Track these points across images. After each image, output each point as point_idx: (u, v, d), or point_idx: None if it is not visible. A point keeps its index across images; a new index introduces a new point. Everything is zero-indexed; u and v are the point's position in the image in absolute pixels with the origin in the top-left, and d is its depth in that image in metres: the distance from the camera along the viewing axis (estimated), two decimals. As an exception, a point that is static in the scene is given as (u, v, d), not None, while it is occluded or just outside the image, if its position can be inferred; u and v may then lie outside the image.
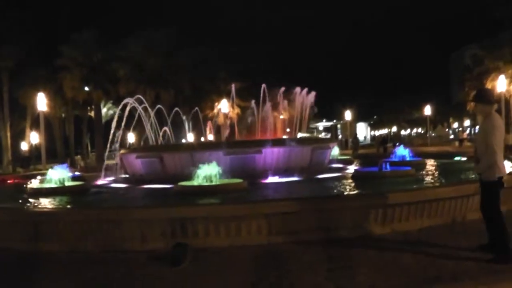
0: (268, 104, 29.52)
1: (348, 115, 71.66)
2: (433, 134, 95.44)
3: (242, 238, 10.28)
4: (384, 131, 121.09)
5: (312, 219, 10.54)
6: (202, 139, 49.32)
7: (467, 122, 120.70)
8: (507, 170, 9.19)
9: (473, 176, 13.98)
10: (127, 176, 22.28)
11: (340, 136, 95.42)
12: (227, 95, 52.71)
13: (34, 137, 57.43)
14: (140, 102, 26.55)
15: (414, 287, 7.48)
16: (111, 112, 69.03)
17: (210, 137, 47.23)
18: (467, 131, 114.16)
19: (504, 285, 7.58)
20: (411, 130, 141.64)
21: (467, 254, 8.78)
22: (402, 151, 23.78)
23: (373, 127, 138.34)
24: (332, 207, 10.76)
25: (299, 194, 14.49)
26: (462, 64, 65.46)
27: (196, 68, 60.92)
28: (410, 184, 15.40)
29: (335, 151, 26.56)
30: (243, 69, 62.53)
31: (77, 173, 24.76)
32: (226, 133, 49.56)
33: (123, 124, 24.23)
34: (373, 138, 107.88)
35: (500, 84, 42.29)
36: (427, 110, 73.60)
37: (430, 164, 24.22)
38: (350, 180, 18.05)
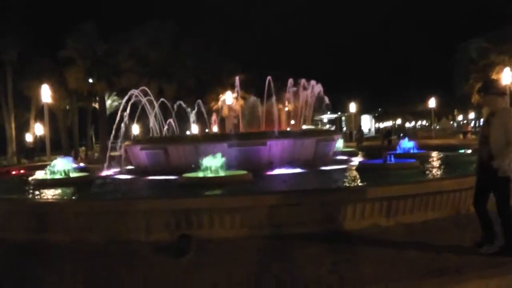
0: (273, 97, 29.48)
1: (352, 107, 71.50)
2: (437, 127, 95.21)
3: (247, 230, 10.29)
4: (389, 123, 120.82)
5: (317, 211, 10.53)
6: (207, 131, 49.37)
7: (471, 115, 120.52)
8: None
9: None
10: (131, 167, 22.33)
11: (344, 128, 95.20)
12: (232, 87, 52.66)
13: (38, 129, 57.44)
14: (145, 94, 26.53)
15: (418, 279, 7.48)
16: (115, 104, 69.01)
17: (215, 129, 47.27)
18: (472, 124, 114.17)
19: (509, 277, 7.59)
20: (416, 123, 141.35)
21: (471, 247, 8.77)
22: (406, 144, 23.77)
23: (378, 119, 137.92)
24: (337, 199, 10.74)
25: (303, 186, 14.46)
26: (467, 57, 65.01)
27: (200, 61, 60.87)
28: (414, 177, 15.38)
29: (340, 143, 26.55)
30: (248, 61, 62.54)
31: (81, 164, 24.82)
32: (230, 125, 49.58)
33: (127, 115, 24.20)
34: (378, 130, 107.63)
35: (506, 77, 42.12)
36: (432, 103, 73.37)
37: (435, 156, 24.19)
38: (354, 172, 18.03)
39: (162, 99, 32.07)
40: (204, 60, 62.10)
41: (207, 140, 21.49)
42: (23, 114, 61.46)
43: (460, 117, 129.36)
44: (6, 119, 55.60)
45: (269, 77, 28.98)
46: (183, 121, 40.23)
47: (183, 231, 9.78)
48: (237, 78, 35.13)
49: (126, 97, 25.73)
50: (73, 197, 14.97)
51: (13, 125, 55.76)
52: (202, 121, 48.77)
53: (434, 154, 25.10)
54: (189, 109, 39.69)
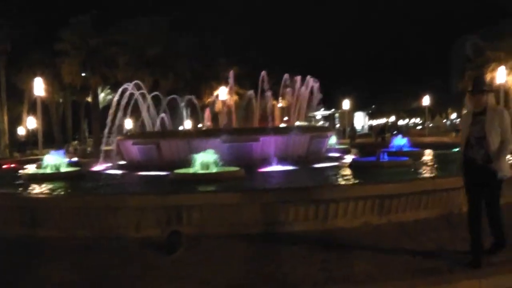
0: (268, 92, 29.40)
1: (346, 104, 71.51)
2: (430, 125, 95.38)
3: (238, 227, 10.23)
4: (382, 120, 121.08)
5: (309, 209, 10.49)
6: (200, 126, 49.26)
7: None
8: None
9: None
10: (124, 162, 22.24)
11: (338, 125, 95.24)
12: (226, 82, 52.60)
13: (31, 122, 57.25)
14: (139, 88, 26.40)
15: (410, 278, 7.44)
16: (109, 97, 68.84)
17: (208, 124, 47.14)
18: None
19: (500, 277, 7.57)
20: (409, 120, 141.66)
21: (463, 245, 8.73)
22: (399, 141, 23.77)
23: (371, 116, 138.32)
24: (328, 196, 10.67)
25: (296, 183, 14.42)
26: (462, 54, 65.37)
27: (195, 54, 60.78)
28: (407, 175, 15.38)
29: (333, 140, 26.53)
30: (243, 56, 62.44)
31: (74, 159, 24.71)
32: (224, 120, 49.49)
33: (120, 110, 24.09)
34: (371, 127, 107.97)
35: (500, 75, 42.26)
36: (426, 101, 73.51)
37: (428, 154, 24.19)
38: (347, 170, 17.99)
39: (156, 92, 31.94)
40: (199, 53, 62.01)
41: (199, 136, 21.41)
42: (16, 107, 61.20)
43: (453, 115, 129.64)
44: (-1, 112, 55.34)
45: (263, 73, 28.87)
46: (177, 116, 40.16)
47: (173, 228, 9.72)
48: (231, 72, 34.91)
49: (119, 91, 25.58)
50: (63, 192, 14.87)
51: (5, 118, 55.46)
52: (196, 116, 48.70)
53: (427, 152, 25.09)
54: (183, 104, 39.59)
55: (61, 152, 20.25)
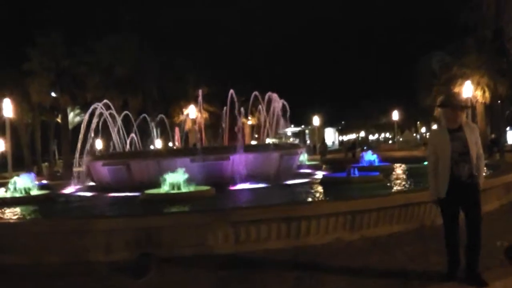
0: (237, 110, 29.34)
1: (316, 120, 71.77)
2: (400, 139, 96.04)
3: (209, 247, 10.11)
4: (352, 136, 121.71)
5: (280, 226, 10.41)
6: (170, 145, 49.03)
7: (434, 127, 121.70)
8: None
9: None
10: (94, 184, 21.99)
11: (308, 142, 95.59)
12: (195, 100, 52.52)
13: (-1, 144, 56.45)
14: (108, 108, 26.21)
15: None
16: (78, 118, 68.20)
17: (178, 143, 46.93)
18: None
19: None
20: (379, 135, 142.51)
21: (436, 258, 8.72)
22: (370, 156, 23.86)
23: (341, 132, 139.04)
24: (300, 213, 10.61)
25: (267, 201, 14.36)
26: (429, 70, 66.01)
27: (164, 73, 60.65)
28: (378, 190, 15.38)
29: (304, 156, 26.53)
30: (212, 74, 62.45)
31: (44, 181, 24.39)
32: (194, 139, 49.27)
33: (91, 130, 23.89)
34: (341, 143, 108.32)
35: (467, 90, 42.81)
36: (395, 115, 74.06)
37: (398, 169, 24.29)
38: (318, 186, 17.97)
39: (126, 112, 31.71)
40: (168, 72, 61.89)
41: (169, 155, 21.26)
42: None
43: (423, 129, 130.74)
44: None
45: (231, 91, 28.85)
46: (147, 135, 39.93)
47: (143, 250, 9.56)
48: (200, 91, 34.89)
49: (89, 111, 25.38)
50: (32, 216, 14.61)
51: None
52: (166, 135, 48.49)
53: (398, 166, 25.20)
54: (152, 123, 39.39)
55: (31, 174, 19.97)
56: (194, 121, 52.40)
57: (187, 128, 53.78)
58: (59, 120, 63.39)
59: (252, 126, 62.66)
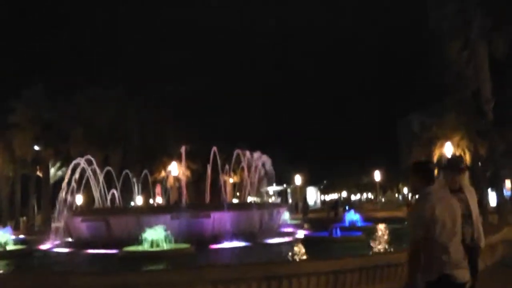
0: (220, 167, 29.27)
1: (298, 179, 71.79)
2: (383, 199, 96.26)
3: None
4: (334, 195, 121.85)
5: (262, 286, 10.21)
6: (151, 201, 48.75)
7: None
8: None
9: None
10: (72, 240, 21.62)
11: (290, 201, 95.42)
12: (177, 157, 52.44)
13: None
14: (90, 163, 26.03)
15: None
16: (59, 173, 67.76)
17: (159, 200, 46.68)
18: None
19: None
20: (361, 195, 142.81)
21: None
22: (352, 216, 23.75)
23: (323, 191, 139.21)
24: (281, 273, 10.43)
25: (248, 259, 14.16)
26: (409, 131, 67.00)
27: (146, 129, 60.75)
28: (360, 250, 15.23)
29: (286, 215, 26.37)
30: (194, 131, 62.58)
31: (21, 236, 24.03)
32: (175, 196, 49.04)
33: (71, 185, 23.66)
34: (323, 202, 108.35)
35: (448, 150, 43.17)
36: (377, 176, 74.35)
37: (381, 229, 24.17)
38: (300, 245, 17.78)
39: (108, 167, 31.52)
40: (151, 128, 62.00)
41: (149, 212, 21.10)
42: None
43: (405, 190, 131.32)
44: None
45: (214, 148, 28.78)
46: (128, 191, 39.68)
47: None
48: (183, 148, 34.76)
49: (71, 166, 25.18)
50: (5, 272, 14.27)
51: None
52: (147, 191, 48.21)
53: (381, 226, 25.08)
54: (134, 179, 39.20)
55: (8, 228, 19.68)
56: (176, 178, 52.27)
57: (169, 185, 53.59)
58: (40, 174, 62.99)
59: (234, 184, 62.51)
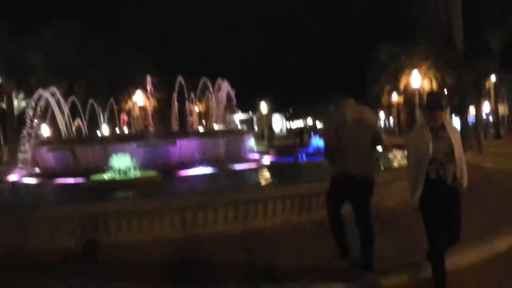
0: (186, 95, 29.18)
1: (264, 107, 71.91)
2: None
3: (156, 233, 10.02)
4: (300, 123, 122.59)
5: (229, 211, 10.40)
6: (118, 131, 48.52)
7: (381, 114, 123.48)
8: None
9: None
10: (39, 170, 21.58)
11: (256, 129, 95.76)
12: (143, 87, 51.99)
13: None
14: (54, 94, 25.72)
15: (329, 274, 7.46)
16: (23, 104, 66.88)
17: (125, 129, 46.48)
18: (381, 123, 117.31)
19: (420, 271, 7.64)
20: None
21: (386, 240, 8.88)
22: (317, 142, 23.98)
23: (289, 119, 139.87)
24: (247, 198, 10.62)
25: (214, 186, 14.32)
26: (377, 60, 67.37)
27: (110, 59, 60.00)
28: (325, 174, 15.44)
29: (252, 142, 26.54)
30: (159, 61, 62.00)
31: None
32: (141, 126, 48.80)
33: (36, 116, 23.45)
34: (289, 130, 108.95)
35: (415, 80, 43.46)
36: (342, 103, 74.82)
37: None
38: (266, 171, 17.98)
39: (72, 96, 31.16)
40: (115, 59, 61.24)
41: (116, 141, 20.98)
42: None
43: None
44: None
45: (179, 77, 28.61)
46: (94, 122, 39.44)
47: (89, 237, 9.43)
48: (148, 77, 34.37)
49: (35, 97, 24.90)
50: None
51: None
52: (113, 121, 47.93)
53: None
54: (99, 109, 38.90)
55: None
56: (141, 108, 51.94)
57: (135, 115, 53.32)
58: (4, 106, 62.16)
59: (200, 114, 62.36)
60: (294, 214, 10.83)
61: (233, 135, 22.44)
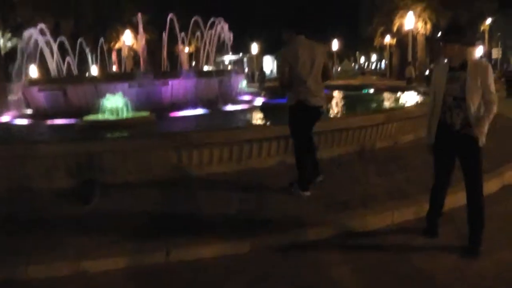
0: (178, 34, 28.86)
1: (254, 48, 71.47)
2: (339, 68, 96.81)
3: (152, 172, 10.07)
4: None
5: (224, 151, 10.46)
6: (108, 71, 48.13)
7: (373, 57, 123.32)
8: None
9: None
10: (30, 111, 21.46)
11: (246, 70, 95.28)
12: (132, 26, 51.34)
13: None
14: (42, 33, 25.38)
15: (325, 213, 7.55)
16: (9, 43, 66.10)
17: (115, 69, 46.10)
18: (373, 66, 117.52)
19: (411, 209, 7.75)
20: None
21: (376, 179, 8.99)
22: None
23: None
24: (241, 138, 10.66)
25: (208, 126, 14.31)
26: (370, 1, 66.95)
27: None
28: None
29: (243, 83, 26.44)
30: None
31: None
32: (131, 65, 48.45)
33: (25, 56, 23.20)
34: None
35: (409, 21, 43.15)
36: (334, 45, 74.38)
37: (337, 96, 24.50)
38: (258, 112, 17.98)
39: (61, 37, 30.74)
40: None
41: (107, 80, 20.80)
42: None
43: (362, 59, 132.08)
44: None
45: (170, 15, 28.22)
46: (83, 62, 39.08)
47: (87, 177, 9.47)
48: (138, 15, 33.80)
49: (24, 37, 24.57)
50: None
51: None
52: (103, 61, 47.50)
53: (336, 93, 25.40)
54: (88, 48, 38.48)
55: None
56: (130, 48, 51.42)
57: (124, 54, 52.84)
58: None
59: (190, 54, 61.83)
60: (288, 155, 10.88)
61: (225, 75, 22.32)
